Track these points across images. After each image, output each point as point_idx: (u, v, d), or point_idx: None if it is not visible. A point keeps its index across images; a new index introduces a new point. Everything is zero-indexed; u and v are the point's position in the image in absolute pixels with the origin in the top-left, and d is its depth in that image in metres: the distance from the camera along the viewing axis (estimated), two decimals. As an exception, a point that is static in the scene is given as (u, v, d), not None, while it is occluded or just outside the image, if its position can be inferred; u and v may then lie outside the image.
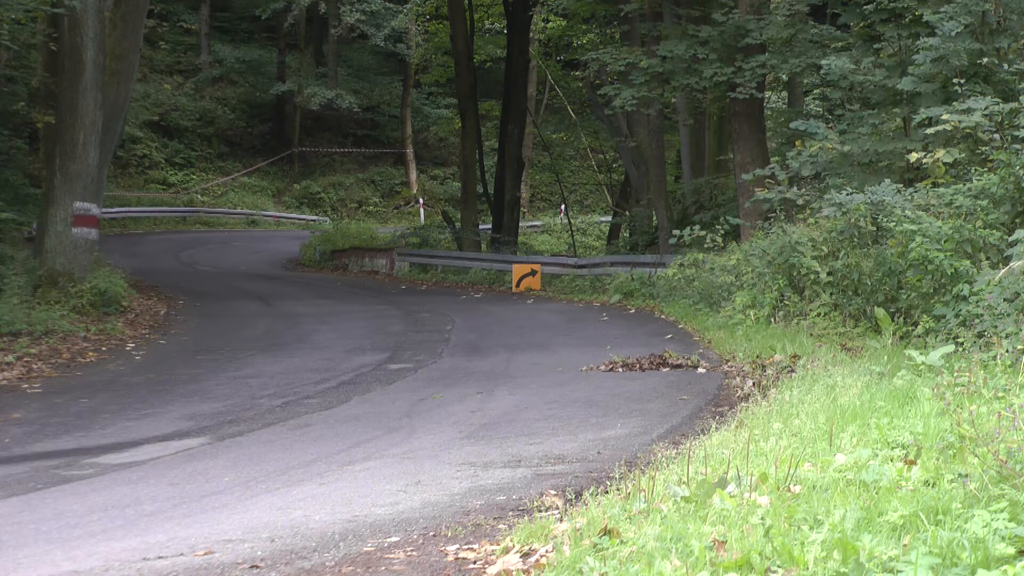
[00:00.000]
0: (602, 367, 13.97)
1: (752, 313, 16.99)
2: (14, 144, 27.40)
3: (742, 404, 10.47)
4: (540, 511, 6.84)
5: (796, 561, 4.71)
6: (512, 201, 36.35)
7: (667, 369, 13.83)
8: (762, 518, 5.13)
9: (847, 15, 21.12)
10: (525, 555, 5.71)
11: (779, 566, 4.72)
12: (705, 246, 21.76)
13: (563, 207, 48.33)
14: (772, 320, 16.54)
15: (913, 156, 15.82)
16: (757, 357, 13.83)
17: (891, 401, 8.52)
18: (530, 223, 50.90)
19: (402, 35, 50.38)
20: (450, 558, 6.01)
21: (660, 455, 7.98)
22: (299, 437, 10.16)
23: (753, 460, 6.82)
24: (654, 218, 30.83)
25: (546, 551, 5.65)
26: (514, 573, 5.39)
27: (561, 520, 6.30)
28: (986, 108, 14.89)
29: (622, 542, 5.35)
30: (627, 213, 35.01)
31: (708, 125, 33.02)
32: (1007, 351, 9.60)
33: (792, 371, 12.16)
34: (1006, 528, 4.70)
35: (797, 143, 19.65)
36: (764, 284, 17.34)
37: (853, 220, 16.22)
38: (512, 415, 10.99)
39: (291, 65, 55.08)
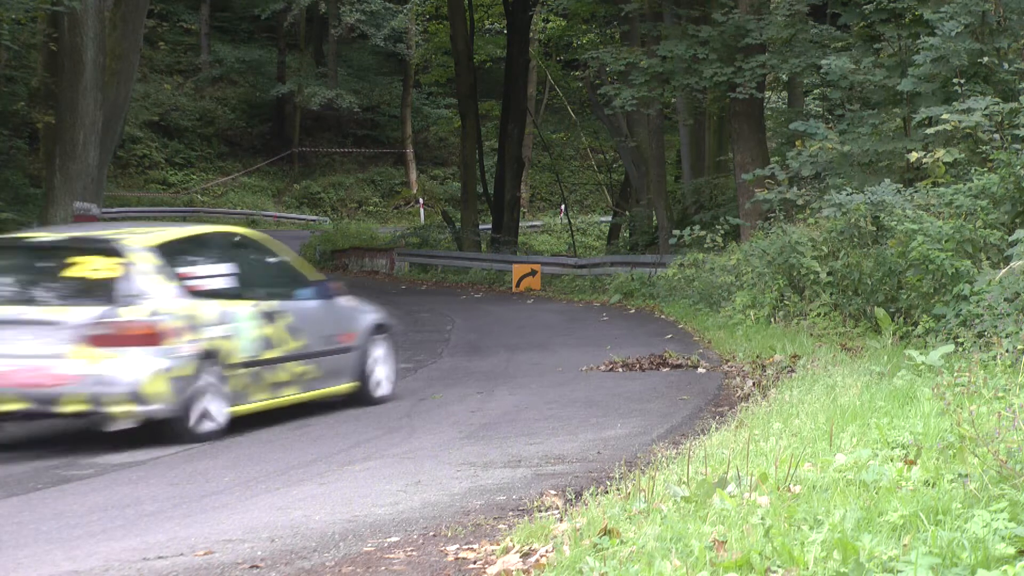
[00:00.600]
0: (602, 367, 13.97)
1: (752, 313, 17.00)
2: (14, 144, 27.40)
3: (742, 404, 10.47)
4: (540, 511, 6.84)
5: (796, 561, 4.71)
6: (512, 201, 36.35)
7: (667, 369, 13.83)
8: (762, 518, 5.13)
9: (847, 15, 21.11)
10: (525, 555, 5.71)
11: (779, 566, 4.72)
12: (705, 246, 21.76)
13: (563, 207, 48.33)
14: (772, 320, 16.54)
15: (913, 156, 15.81)
16: (757, 357, 13.83)
17: (891, 401, 8.52)
18: (530, 223, 50.90)
19: (402, 35, 50.37)
20: (450, 558, 6.01)
21: (660, 455, 7.98)
22: (299, 437, 10.17)
23: (753, 460, 6.82)
24: (654, 218, 30.84)
25: (546, 551, 5.65)
26: (514, 573, 5.38)
27: (561, 520, 6.30)
28: (986, 108, 14.89)
29: (622, 542, 5.35)
30: (627, 213, 35.01)
31: (708, 125, 33.02)
32: (1007, 351, 9.60)
33: (792, 371, 12.16)
34: (1006, 528, 4.70)
35: (797, 143, 19.65)
36: (764, 284, 17.34)
37: (853, 220, 16.22)
38: (512, 415, 10.99)
39: (291, 65, 55.09)
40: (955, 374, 8.01)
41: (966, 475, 5.78)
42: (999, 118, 15.07)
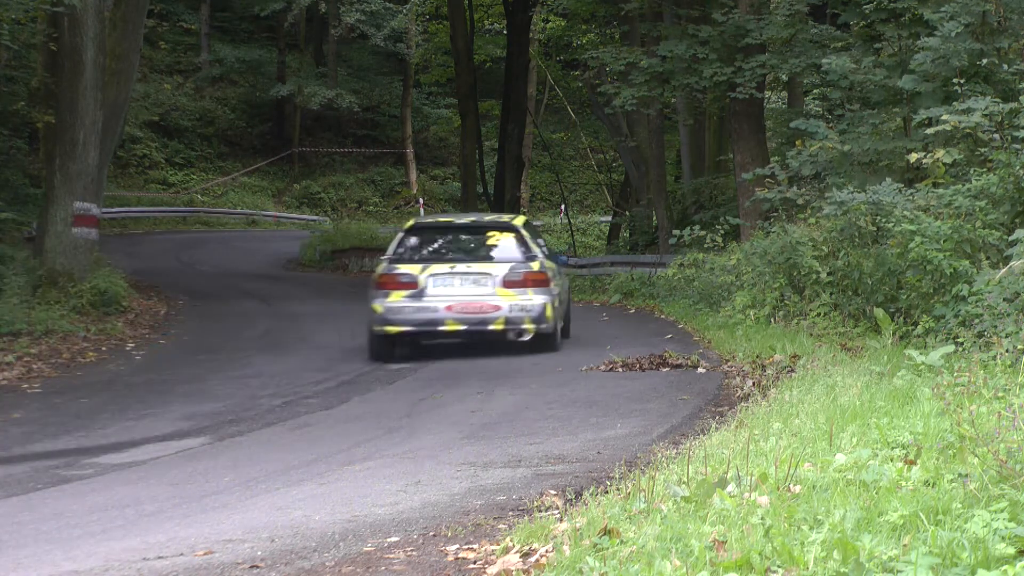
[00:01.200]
0: (602, 367, 13.97)
1: (752, 313, 16.99)
2: (14, 144, 27.35)
3: (742, 404, 10.47)
4: (540, 511, 6.84)
5: (796, 561, 4.71)
6: (512, 201, 36.34)
7: (667, 369, 13.83)
8: (762, 518, 5.13)
9: (847, 15, 21.10)
10: (525, 555, 5.71)
11: (779, 566, 4.73)
12: (705, 246, 21.76)
13: (563, 207, 48.32)
14: (772, 320, 16.54)
15: (913, 156, 15.81)
16: (757, 357, 13.83)
17: (891, 401, 8.52)
18: (530, 223, 50.86)
19: (402, 35, 50.33)
20: (450, 558, 6.01)
21: (660, 455, 7.98)
22: (299, 437, 10.17)
23: (753, 460, 6.82)
24: (654, 218, 30.82)
25: (546, 551, 5.65)
26: (514, 573, 5.39)
27: (561, 520, 6.30)
28: (986, 108, 14.88)
29: (622, 542, 5.35)
30: (627, 213, 34.99)
31: (708, 125, 33.01)
32: (1007, 351, 9.60)
33: (792, 371, 12.16)
34: (1006, 528, 4.70)
35: (797, 143, 19.65)
36: (764, 284, 17.34)
37: (853, 220, 16.22)
38: (512, 415, 10.99)
39: (291, 65, 55.07)
40: (955, 374, 8.00)
41: (966, 475, 5.78)
42: (999, 118, 15.06)
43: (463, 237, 16.02)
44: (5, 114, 26.92)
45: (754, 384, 12.05)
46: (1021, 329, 10.04)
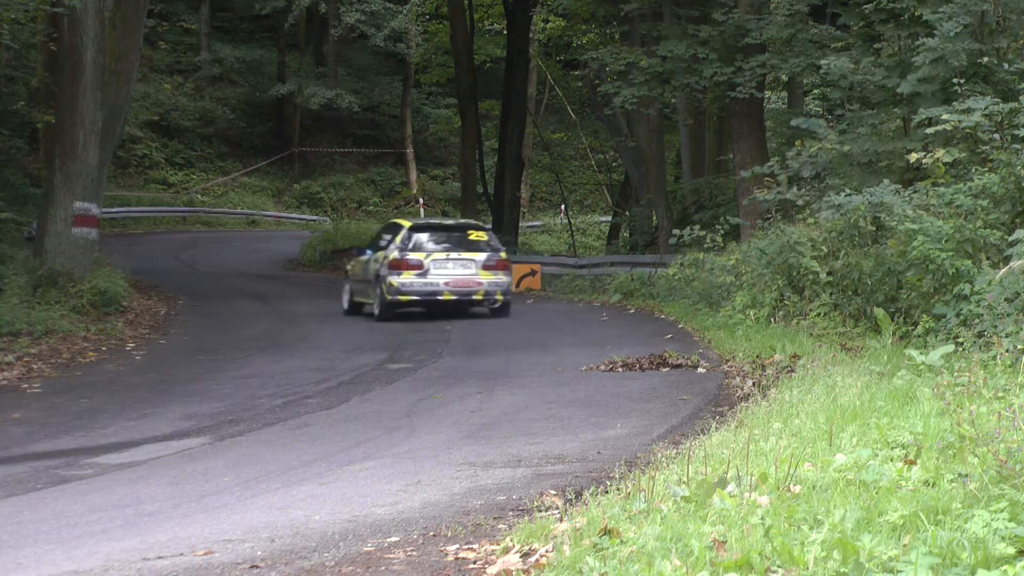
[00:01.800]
0: (602, 367, 13.98)
1: (752, 313, 17.00)
2: (14, 144, 27.35)
3: (742, 404, 10.47)
4: (540, 511, 6.84)
5: (796, 561, 4.71)
6: (512, 201, 36.35)
7: (667, 369, 13.83)
8: (762, 518, 5.13)
9: (847, 15, 21.11)
10: (525, 555, 5.71)
11: (779, 566, 4.73)
12: (705, 246, 21.76)
13: (563, 207, 48.31)
14: (772, 320, 16.54)
15: (913, 156, 15.81)
16: (757, 357, 13.83)
17: (891, 401, 8.52)
18: (530, 223, 50.86)
19: (402, 35, 50.32)
20: (450, 558, 6.01)
21: (660, 455, 7.98)
22: (299, 437, 10.17)
23: (753, 460, 6.82)
24: (654, 218, 30.82)
25: (546, 551, 5.65)
26: (514, 573, 5.39)
27: (561, 520, 6.30)
28: (986, 108, 14.88)
29: (622, 542, 5.35)
30: (627, 213, 34.99)
31: (708, 125, 33.01)
32: (1007, 351, 9.60)
33: (792, 371, 12.16)
34: (1006, 528, 4.70)
35: (797, 143, 19.65)
36: (764, 284, 17.34)
37: (853, 220, 16.22)
38: (512, 415, 10.99)
39: (291, 65, 55.07)
40: (955, 374, 8.01)
41: (966, 475, 5.78)
42: (999, 118, 15.07)
43: (453, 234, 21.51)
44: (5, 114, 26.93)
45: (754, 384, 12.05)
46: (1021, 329, 10.04)
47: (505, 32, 41.75)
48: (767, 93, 29.58)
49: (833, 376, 10.37)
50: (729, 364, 14.06)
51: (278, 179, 55.09)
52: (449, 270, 20.54)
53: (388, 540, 6.46)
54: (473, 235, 21.26)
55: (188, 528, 6.90)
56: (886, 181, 15.76)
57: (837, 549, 4.67)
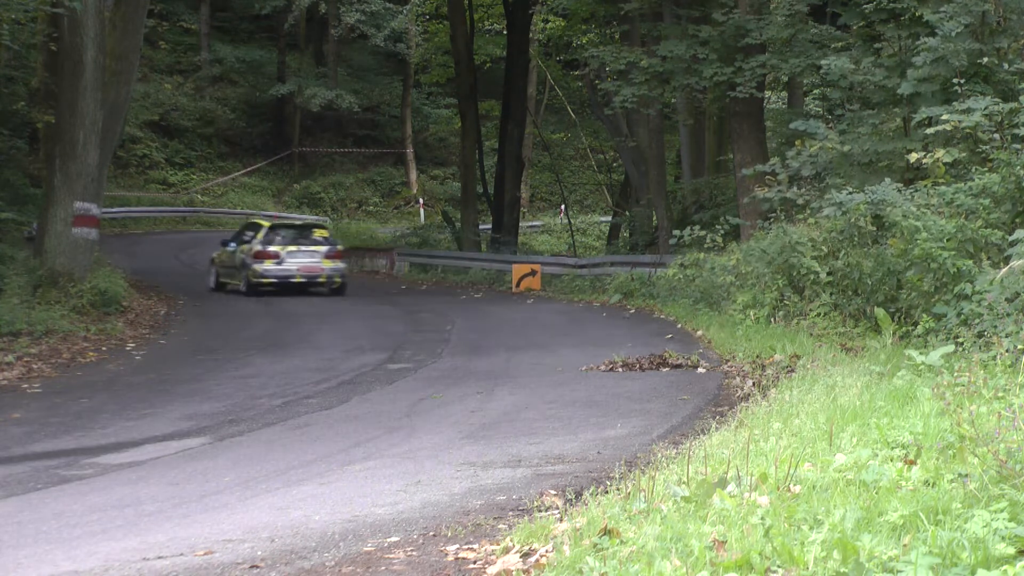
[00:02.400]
0: (602, 367, 13.97)
1: (752, 313, 16.99)
2: (14, 144, 27.36)
3: (742, 404, 10.47)
4: (540, 511, 6.84)
5: (796, 561, 4.71)
6: (512, 201, 36.33)
7: (667, 369, 13.83)
8: (762, 518, 5.13)
9: (847, 15, 21.11)
10: (525, 555, 5.71)
11: (779, 566, 4.72)
12: (705, 246, 21.75)
13: (563, 207, 48.30)
14: (772, 320, 16.54)
15: (913, 156, 15.81)
16: (757, 357, 13.83)
17: (891, 401, 8.52)
18: (530, 223, 50.85)
19: (402, 35, 50.32)
20: (450, 558, 6.01)
21: (660, 455, 7.98)
22: (299, 437, 10.17)
23: (753, 460, 6.82)
24: (654, 218, 30.81)
25: (546, 551, 5.65)
26: (514, 573, 5.39)
27: (561, 520, 6.30)
28: (986, 108, 14.88)
29: (622, 542, 5.35)
30: (627, 213, 34.98)
31: (708, 125, 33.00)
32: (1007, 351, 9.60)
33: (792, 371, 12.16)
34: (1006, 528, 4.70)
35: (797, 143, 19.64)
36: (764, 284, 17.34)
37: (853, 220, 16.22)
38: (512, 415, 10.99)
39: (291, 65, 55.06)
40: (955, 374, 8.01)
41: (966, 475, 5.78)
42: (999, 118, 15.07)
43: (302, 232, 27.50)
44: (5, 114, 26.94)
45: (754, 384, 12.05)
46: (1021, 329, 10.04)
47: (505, 32, 41.75)
48: (767, 93, 29.57)
49: (833, 376, 10.37)
50: (729, 364, 14.06)
51: (278, 179, 55.08)
52: (299, 259, 26.16)
53: (388, 540, 6.46)
54: (317, 232, 27.28)
55: (188, 528, 6.90)
56: (887, 181, 15.76)
57: (837, 549, 4.67)
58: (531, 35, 39.89)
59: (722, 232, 21.87)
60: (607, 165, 46.97)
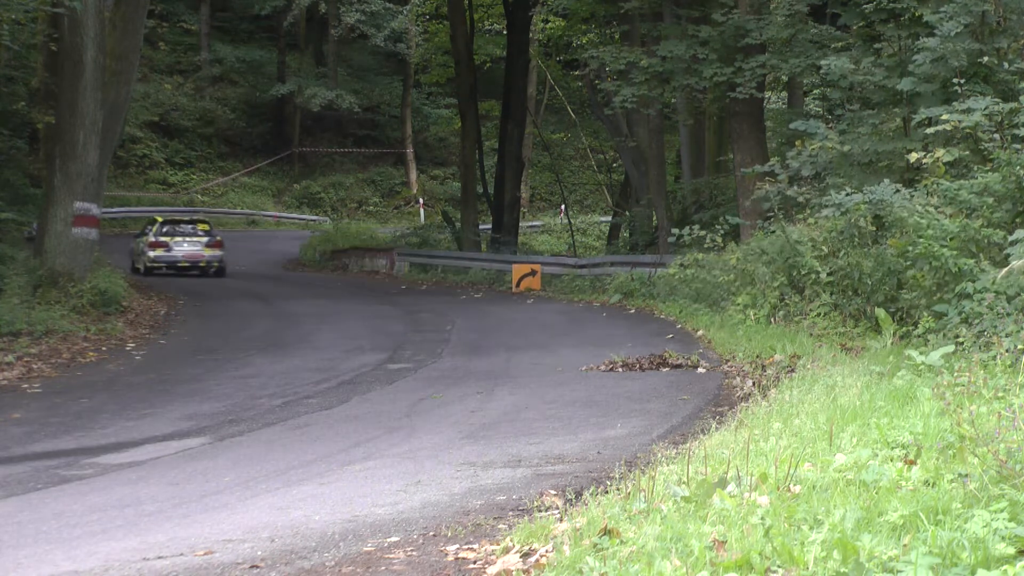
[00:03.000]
0: (602, 367, 13.97)
1: (752, 313, 16.99)
2: (14, 144, 27.34)
3: (742, 404, 10.47)
4: (540, 511, 6.84)
5: (796, 561, 4.71)
6: (512, 201, 36.34)
7: (667, 369, 13.83)
8: (762, 518, 5.13)
9: (847, 15, 21.10)
10: (525, 555, 5.71)
11: (779, 566, 4.72)
12: (705, 246, 21.74)
13: (563, 207, 48.30)
14: (772, 320, 16.54)
15: (913, 156, 15.80)
16: (757, 357, 13.83)
17: (891, 401, 8.52)
18: (530, 223, 50.87)
19: (402, 35, 50.32)
20: (450, 558, 6.01)
21: (660, 455, 7.98)
22: (299, 437, 10.17)
23: (753, 460, 6.82)
24: (654, 218, 30.81)
25: (546, 551, 5.65)
26: (514, 573, 5.39)
27: (561, 520, 6.30)
28: (986, 108, 14.88)
29: (622, 542, 5.35)
30: (627, 213, 34.98)
31: (708, 125, 32.99)
32: (1007, 351, 9.60)
33: (792, 371, 12.16)
34: (1006, 528, 4.70)
35: (797, 143, 19.63)
36: (764, 284, 17.34)
37: (853, 220, 16.21)
38: (512, 415, 11.00)
39: (291, 65, 55.07)
40: (955, 374, 8.01)
41: (966, 475, 5.78)
42: (999, 118, 15.06)
43: (188, 226, 32.88)
44: (5, 114, 26.93)
45: (754, 384, 12.05)
46: (1021, 329, 10.04)
47: (505, 32, 41.75)
48: (767, 93, 29.56)
49: (833, 376, 10.37)
50: (729, 364, 14.06)
51: (278, 179, 55.09)
52: (185, 248, 32.07)
53: (388, 540, 6.46)
54: (201, 226, 32.92)
55: (188, 528, 6.90)
56: (886, 180, 15.75)
57: (837, 549, 4.67)
58: (531, 35, 39.90)
59: (722, 232, 21.86)
60: (607, 165, 46.98)
